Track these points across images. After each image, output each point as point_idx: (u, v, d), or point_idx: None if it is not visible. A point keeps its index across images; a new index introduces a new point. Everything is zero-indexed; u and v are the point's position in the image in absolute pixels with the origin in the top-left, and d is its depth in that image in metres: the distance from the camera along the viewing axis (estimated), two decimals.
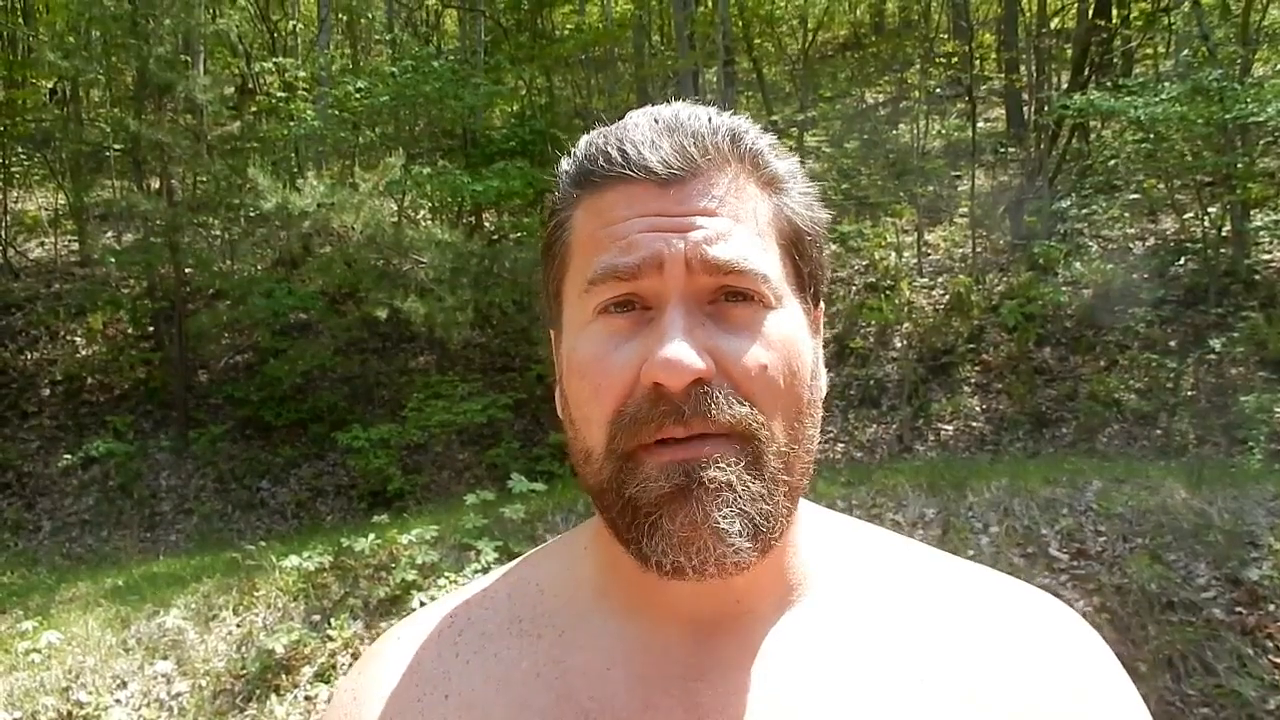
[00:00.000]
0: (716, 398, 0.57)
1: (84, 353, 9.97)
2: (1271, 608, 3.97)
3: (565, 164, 0.66)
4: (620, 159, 0.61)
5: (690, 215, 0.60)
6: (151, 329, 10.05)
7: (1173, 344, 8.14)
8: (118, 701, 4.05)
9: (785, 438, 0.60)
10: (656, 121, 0.63)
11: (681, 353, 0.56)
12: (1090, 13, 10.61)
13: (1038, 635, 0.66)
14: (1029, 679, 0.63)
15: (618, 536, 0.60)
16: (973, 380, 8.59)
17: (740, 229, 0.61)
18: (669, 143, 0.61)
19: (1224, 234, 8.77)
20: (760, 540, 0.58)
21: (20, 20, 12.94)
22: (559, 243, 0.65)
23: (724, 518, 0.56)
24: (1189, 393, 7.73)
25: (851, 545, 0.70)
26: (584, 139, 0.66)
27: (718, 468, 0.56)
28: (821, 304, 0.68)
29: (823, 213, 0.67)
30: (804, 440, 0.61)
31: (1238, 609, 4.00)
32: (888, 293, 9.47)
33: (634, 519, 0.58)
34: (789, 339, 0.61)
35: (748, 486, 0.57)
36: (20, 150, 12.12)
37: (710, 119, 0.63)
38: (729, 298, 0.60)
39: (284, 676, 4.10)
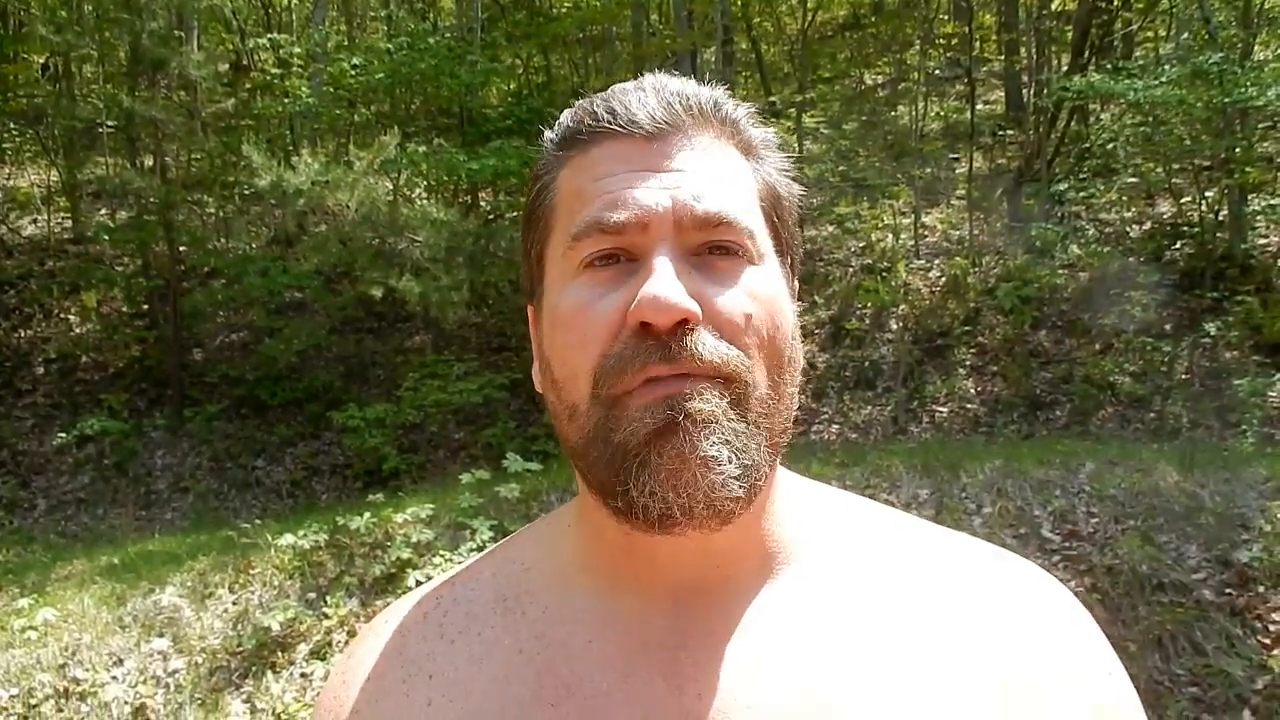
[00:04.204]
0: (704, 337, 0.57)
1: (78, 331, 9.94)
2: (1261, 589, 4.00)
3: (549, 133, 0.67)
4: (607, 115, 0.62)
5: (676, 171, 0.61)
6: (146, 307, 10.02)
7: (1168, 328, 8.15)
8: (114, 678, 4.07)
9: (767, 386, 0.60)
10: (641, 84, 0.64)
11: (670, 290, 0.56)
12: None
13: (1020, 602, 0.66)
14: (1012, 646, 0.64)
15: (603, 491, 0.59)
16: (968, 362, 8.61)
17: (725, 184, 0.62)
18: (655, 99, 0.62)
19: (1221, 218, 8.77)
20: (747, 476, 0.58)
21: None
22: (542, 206, 0.66)
23: (711, 446, 0.56)
24: (1183, 376, 7.75)
25: (834, 513, 0.70)
26: (569, 109, 0.66)
27: (702, 399, 0.56)
28: (796, 277, 0.69)
29: (796, 185, 0.69)
30: (785, 395, 0.61)
31: (1228, 590, 4.03)
32: (884, 274, 9.47)
33: (623, 461, 0.57)
34: (772, 294, 0.61)
35: (733, 422, 0.57)
36: (12, 126, 12.02)
37: (692, 83, 0.65)
38: (713, 250, 0.60)
39: (280, 654, 4.12)
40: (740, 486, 0.57)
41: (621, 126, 0.61)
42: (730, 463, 0.56)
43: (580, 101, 0.66)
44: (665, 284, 0.56)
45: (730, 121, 0.65)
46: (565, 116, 0.66)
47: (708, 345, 0.57)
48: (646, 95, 0.63)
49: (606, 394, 0.58)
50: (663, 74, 0.66)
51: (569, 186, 0.63)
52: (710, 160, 0.62)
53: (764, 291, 0.61)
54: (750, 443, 0.58)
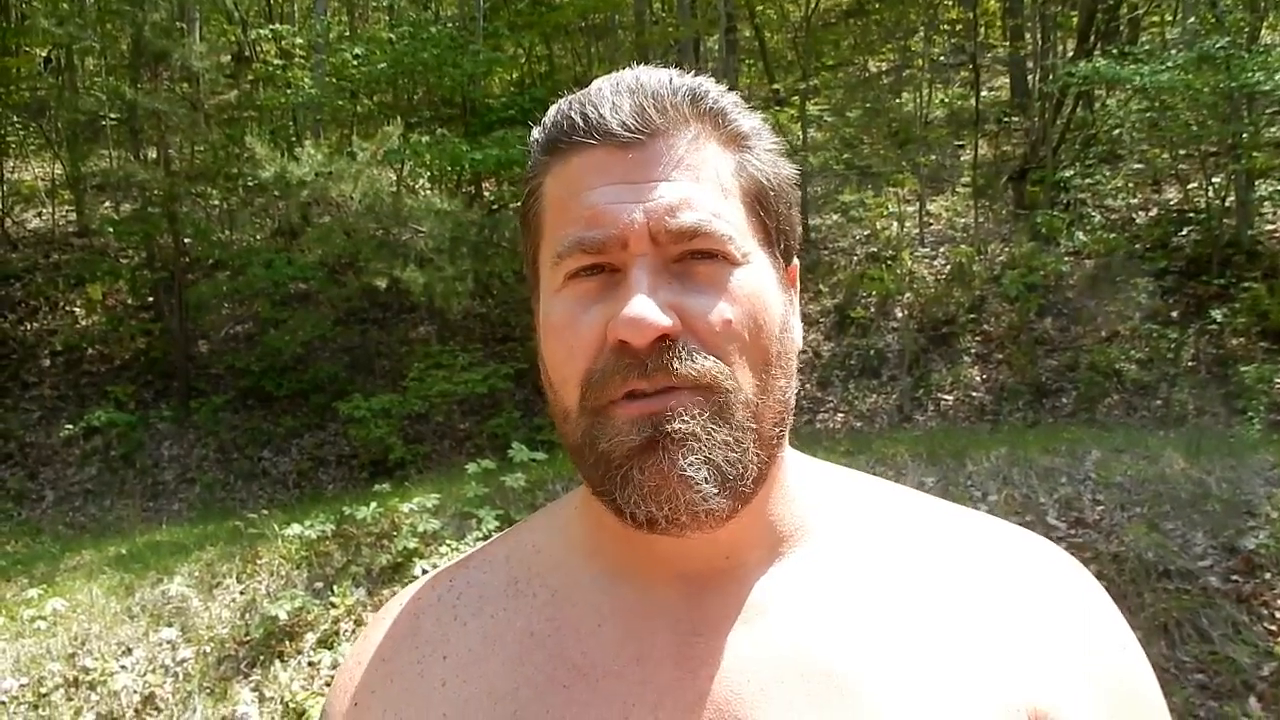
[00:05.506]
0: (680, 352, 0.59)
1: (84, 323, 9.97)
2: (1267, 576, 4.00)
3: (535, 132, 0.67)
4: (582, 124, 0.62)
5: (651, 181, 0.61)
6: (151, 299, 10.04)
7: (1174, 315, 8.13)
8: (123, 667, 4.10)
9: (752, 388, 0.61)
10: (617, 85, 0.64)
11: (645, 310, 0.57)
12: None
13: (1034, 577, 0.67)
14: (1027, 620, 0.64)
15: (595, 491, 0.62)
16: (973, 350, 8.59)
17: (702, 190, 0.61)
18: (628, 104, 0.62)
19: (1227, 204, 8.73)
20: (729, 487, 0.59)
21: None
22: (532, 211, 0.67)
23: (690, 465, 0.58)
24: (1189, 363, 7.73)
25: (847, 493, 0.71)
26: (552, 107, 0.66)
27: (682, 420, 0.58)
28: (795, 259, 0.69)
29: (788, 168, 0.68)
30: (773, 391, 0.62)
31: (1234, 577, 4.03)
32: (889, 262, 9.44)
33: (606, 471, 0.60)
34: (754, 294, 0.62)
35: (713, 435, 0.59)
36: (15, 119, 12.03)
37: (670, 79, 0.64)
38: (694, 256, 0.61)
39: (288, 643, 4.14)
40: (721, 500, 0.59)
41: (596, 137, 0.62)
42: (708, 481, 0.58)
43: (561, 101, 0.66)
44: (641, 304, 0.58)
45: (711, 114, 0.64)
46: (548, 116, 0.66)
47: (684, 360, 0.58)
48: (621, 99, 0.62)
49: (592, 404, 0.60)
50: (644, 68, 0.65)
51: (553, 195, 0.64)
52: (687, 165, 0.62)
53: (745, 292, 0.61)
54: (734, 450, 0.60)
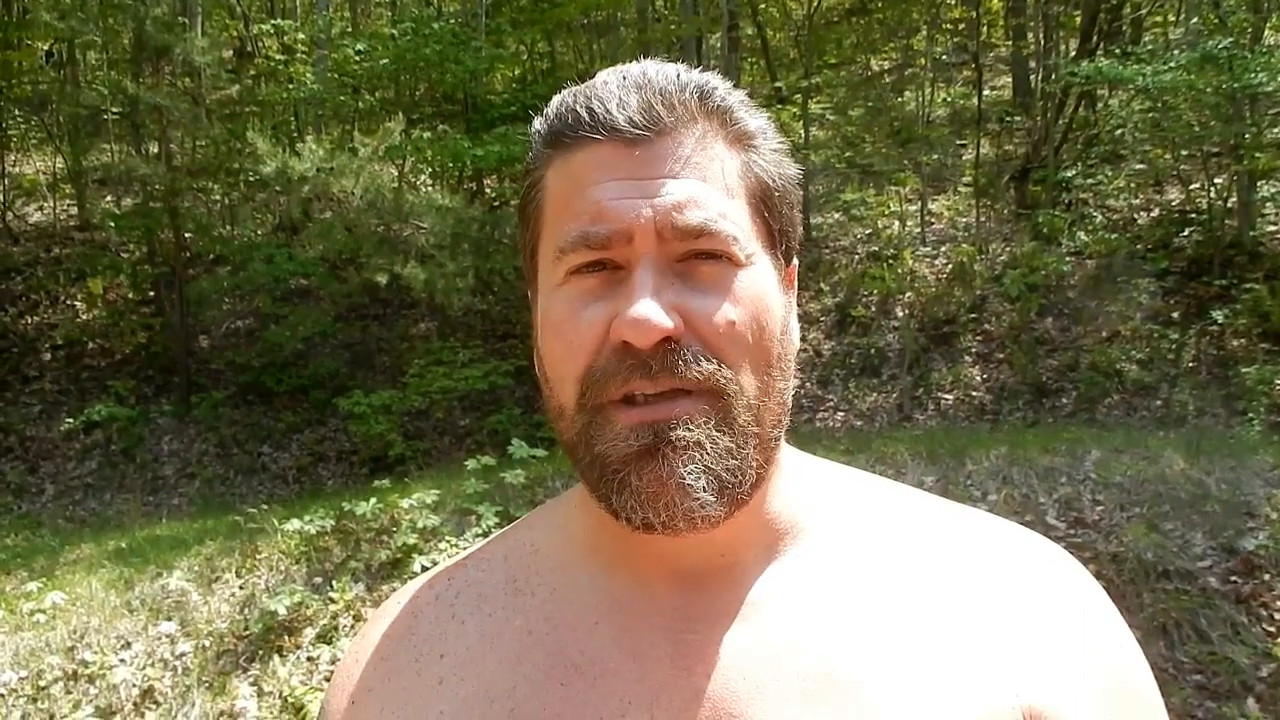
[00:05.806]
0: (685, 355, 0.58)
1: (85, 317, 9.97)
2: (1266, 577, 4.00)
3: (537, 123, 0.66)
4: (588, 118, 0.61)
5: (658, 179, 0.60)
6: (152, 294, 10.04)
7: (1175, 315, 8.12)
8: (122, 661, 4.10)
9: (754, 390, 0.61)
10: (624, 79, 0.63)
11: (650, 311, 0.57)
12: None
13: (1031, 574, 0.67)
14: (1024, 617, 0.64)
15: (590, 490, 0.62)
16: (974, 350, 8.59)
17: (708, 190, 0.61)
18: (636, 100, 0.61)
19: (1229, 205, 8.72)
20: (727, 495, 0.59)
21: None
22: (533, 204, 0.66)
23: (690, 474, 0.58)
24: (1190, 364, 7.72)
25: (843, 491, 0.71)
26: (555, 98, 0.66)
27: (686, 428, 0.58)
28: (795, 260, 0.69)
29: (793, 168, 0.67)
30: (774, 393, 0.62)
31: (1233, 578, 4.03)
32: (890, 261, 9.44)
33: (602, 474, 0.60)
34: (757, 296, 0.61)
35: (717, 442, 0.58)
36: (17, 113, 12.02)
37: (679, 75, 0.63)
38: (698, 256, 0.60)
39: (286, 637, 4.14)
40: (719, 507, 0.59)
41: (603, 132, 0.61)
42: (707, 490, 0.58)
43: (564, 93, 0.65)
44: (645, 305, 0.57)
45: (718, 112, 0.63)
46: (551, 107, 0.65)
47: (689, 362, 0.58)
48: (628, 95, 0.61)
49: (591, 403, 0.60)
50: (651, 62, 0.65)
51: (555, 188, 0.63)
52: (694, 163, 0.61)
53: (749, 294, 0.61)
54: (735, 458, 0.59)
